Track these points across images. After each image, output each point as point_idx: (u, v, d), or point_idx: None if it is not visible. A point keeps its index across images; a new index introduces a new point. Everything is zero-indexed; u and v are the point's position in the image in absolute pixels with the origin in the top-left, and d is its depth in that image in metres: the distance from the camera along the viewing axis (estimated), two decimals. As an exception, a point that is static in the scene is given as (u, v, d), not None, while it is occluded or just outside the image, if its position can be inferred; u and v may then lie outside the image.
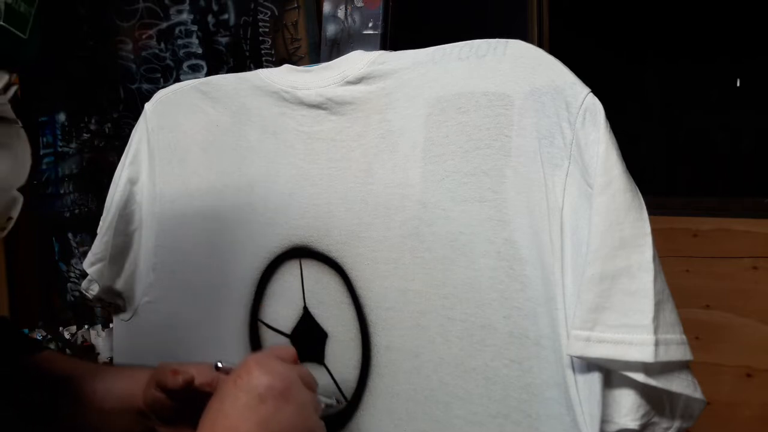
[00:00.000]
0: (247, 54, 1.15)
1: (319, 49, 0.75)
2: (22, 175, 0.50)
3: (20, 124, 0.50)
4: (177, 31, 1.22)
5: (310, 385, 0.53)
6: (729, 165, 2.14)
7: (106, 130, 1.34)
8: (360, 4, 0.72)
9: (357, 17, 0.72)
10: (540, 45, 1.02)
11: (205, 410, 0.49)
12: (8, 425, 0.49)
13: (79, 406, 0.63)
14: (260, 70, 0.73)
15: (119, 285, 0.80)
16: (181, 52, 1.22)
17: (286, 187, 0.70)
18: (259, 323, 0.72)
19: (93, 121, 1.36)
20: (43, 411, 0.60)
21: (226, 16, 1.17)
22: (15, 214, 0.51)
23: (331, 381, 0.66)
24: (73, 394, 0.63)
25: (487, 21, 1.31)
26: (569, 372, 0.52)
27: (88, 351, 1.37)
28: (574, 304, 0.51)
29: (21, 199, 0.51)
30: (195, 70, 1.22)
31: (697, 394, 0.51)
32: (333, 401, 0.61)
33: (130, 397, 0.63)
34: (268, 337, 0.71)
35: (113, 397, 0.64)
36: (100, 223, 0.80)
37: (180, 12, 1.21)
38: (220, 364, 0.56)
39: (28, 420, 0.57)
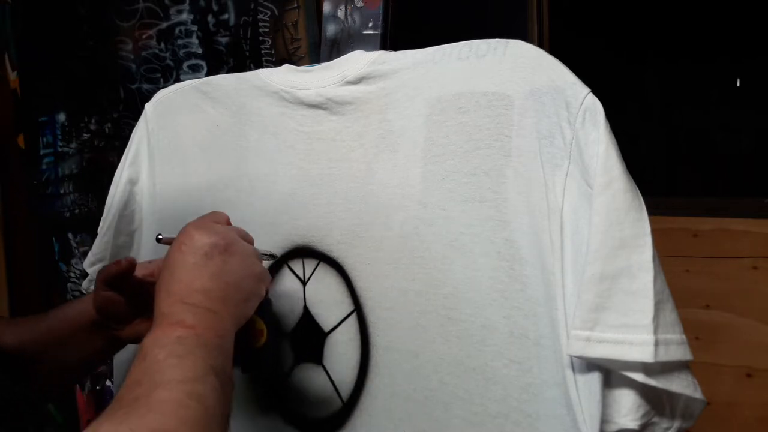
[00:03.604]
0: (247, 54, 1.15)
1: (319, 49, 0.75)
2: None
3: None
4: (177, 31, 1.22)
5: (248, 239, 0.58)
6: (729, 165, 2.14)
7: (106, 130, 1.34)
8: (360, 4, 0.72)
9: (357, 17, 0.72)
10: (540, 45, 1.02)
11: (158, 281, 0.51)
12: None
13: (38, 363, 0.64)
14: (260, 70, 0.73)
15: (119, 285, 0.80)
16: (181, 52, 1.22)
17: (287, 187, 0.70)
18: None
19: (93, 121, 1.36)
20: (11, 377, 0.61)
21: (226, 16, 1.17)
22: None
23: (329, 381, 0.67)
24: (27, 354, 0.64)
25: (487, 21, 1.31)
26: (569, 372, 0.52)
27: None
28: (574, 304, 0.51)
29: None
30: (195, 70, 1.22)
31: (697, 394, 0.51)
32: (269, 251, 0.65)
33: (82, 314, 0.64)
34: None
35: (66, 323, 0.65)
36: (101, 223, 0.80)
37: (180, 12, 1.21)
38: (160, 236, 0.58)
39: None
